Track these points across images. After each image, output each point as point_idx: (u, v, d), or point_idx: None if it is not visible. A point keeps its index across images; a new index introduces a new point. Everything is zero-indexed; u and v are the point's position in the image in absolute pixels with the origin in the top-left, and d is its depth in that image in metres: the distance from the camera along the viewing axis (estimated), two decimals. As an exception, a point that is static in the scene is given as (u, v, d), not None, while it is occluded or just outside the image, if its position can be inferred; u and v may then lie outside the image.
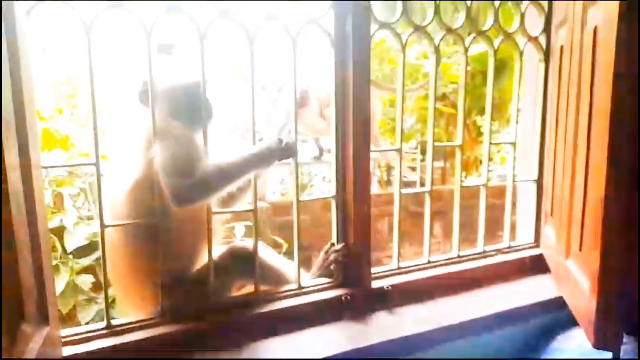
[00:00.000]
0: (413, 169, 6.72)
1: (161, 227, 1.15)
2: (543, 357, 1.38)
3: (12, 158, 0.81)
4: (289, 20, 1.33)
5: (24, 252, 0.84)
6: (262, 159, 1.19)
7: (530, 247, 1.72)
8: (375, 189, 5.05)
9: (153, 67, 1.12)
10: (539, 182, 1.71)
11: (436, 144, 1.56)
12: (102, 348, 1.09)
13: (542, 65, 1.67)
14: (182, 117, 1.17)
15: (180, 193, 1.10)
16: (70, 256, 2.16)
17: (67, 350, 1.06)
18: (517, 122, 1.70)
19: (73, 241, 2.17)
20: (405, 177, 6.07)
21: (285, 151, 1.22)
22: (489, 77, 1.63)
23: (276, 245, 2.28)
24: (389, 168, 6.18)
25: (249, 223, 2.47)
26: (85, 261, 2.25)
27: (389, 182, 5.83)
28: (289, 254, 1.53)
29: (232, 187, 1.18)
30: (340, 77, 1.35)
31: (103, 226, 1.12)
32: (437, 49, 1.50)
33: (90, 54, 1.07)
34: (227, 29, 1.26)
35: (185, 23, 1.17)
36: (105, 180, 1.17)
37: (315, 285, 1.38)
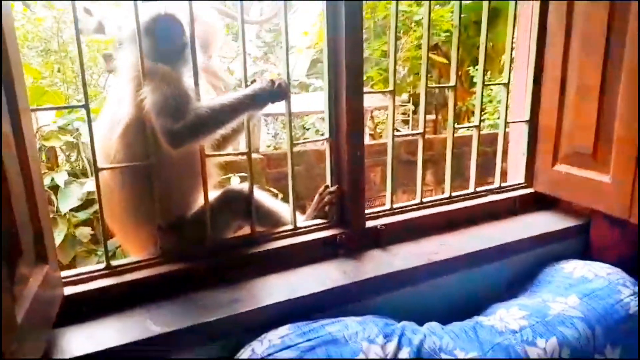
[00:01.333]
0: (405, 122, 6.72)
1: (156, 170, 1.15)
2: (533, 287, 1.44)
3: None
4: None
5: (17, 191, 0.84)
6: (255, 100, 1.18)
7: (521, 187, 1.75)
8: (367, 140, 5.05)
9: (138, 7, 1.09)
10: (532, 123, 1.72)
11: (429, 86, 1.56)
12: (103, 287, 1.12)
13: (537, 5, 1.64)
14: (166, 52, 1.15)
15: (174, 134, 1.09)
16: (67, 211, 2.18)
17: (68, 290, 1.09)
18: (511, 62, 1.68)
19: (67, 202, 2.18)
20: (397, 129, 6.07)
21: (277, 92, 1.21)
22: (483, 16, 1.60)
23: (272, 196, 2.31)
24: (379, 123, 6.16)
25: (244, 174, 2.49)
26: (83, 215, 2.28)
27: (381, 135, 5.83)
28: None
29: (225, 129, 1.17)
30: (331, 20, 1.32)
31: (97, 170, 1.12)
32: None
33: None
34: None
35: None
36: (97, 125, 1.16)
37: (311, 226, 1.41)
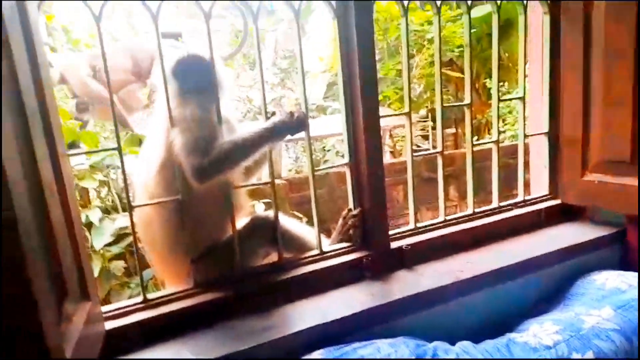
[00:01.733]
0: (425, 137, 6.70)
1: (186, 205, 1.20)
2: (565, 301, 1.42)
3: (39, 146, 0.86)
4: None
5: (60, 233, 0.90)
6: (275, 132, 1.24)
7: (545, 199, 1.74)
8: (387, 158, 5.06)
9: (162, 50, 1.16)
10: (551, 135, 1.71)
11: (445, 105, 1.58)
12: (141, 320, 1.16)
13: (547, 18, 1.66)
14: (191, 92, 1.22)
15: (200, 171, 1.16)
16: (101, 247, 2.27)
17: (109, 325, 1.14)
18: (525, 77, 1.70)
19: (101, 239, 2.27)
20: (418, 145, 6.06)
21: (296, 124, 1.26)
22: (493, 32, 1.63)
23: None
24: (400, 139, 6.17)
25: (268, 200, 2.54)
26: (116, 249, 2.36)
27: (401, 153, 5.83)
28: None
29: (248, 162, 1.23)
30: (344, 47, 1.37)
31: (131, 208, 1.18)
32: (439, 11, 1.50)
33: (102, 44, 1.11)
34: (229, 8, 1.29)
35: (190, 6, 1.20)
36: (135, 165, 1.23)
37: (336, 250, 1.43)
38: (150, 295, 1.19)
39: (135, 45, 3.08)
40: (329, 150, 5.73)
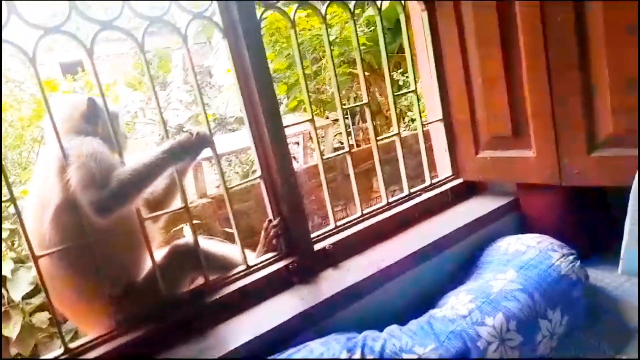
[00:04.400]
0: (348, 133, 6.89)
1: (94, 246, 1.17)
2: (476, 270, 1.55)
3: None
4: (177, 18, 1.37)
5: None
6: (175, 154, 1.23)
7: (450, 180, 1.89)
8: (309, 161, 5.16)
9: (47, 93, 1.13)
10: (447, 120, 1.86)
11: (345, 106, 1.67)
12: (67, 373, 1.12)
13: (425, 14, 1.80)
14: (86, 130, 1.21)
15: (100, 205, 1.12)
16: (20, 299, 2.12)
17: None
18: (413, 72, 1.83)
19: (18, 290, 2.12)
20: (341, 142, 6.22)
21: (196, 143, 1.27)
22: (379, 32, 1.73)
23: (228, 236, 2.34)
24: (321, 140, 6.30)
25: (196, 221, 2.51)
26: (37, 300, 2.21)
27: (323, 153, 5.96)
28: (242, 240, 1.58)
29: (148, 188, 1.21)
30: (239, 64, 1.40)
31: (35, 258, 1.13)
32: (324, 18, 1.58)
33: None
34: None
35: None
36: (26, 209, 1.18)
37: (262, 262, 1.46)
38: (72, 345, 1.15)
39: None
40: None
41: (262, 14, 1.44)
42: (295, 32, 1.52)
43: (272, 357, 1.16)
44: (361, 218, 1.66)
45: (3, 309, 2.16)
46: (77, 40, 1.17)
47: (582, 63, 1.41)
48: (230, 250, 1.47)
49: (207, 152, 1.38)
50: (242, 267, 1.43)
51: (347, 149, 1.67)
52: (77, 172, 1.11)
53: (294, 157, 5.53)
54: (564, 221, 1.73)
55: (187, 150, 1.25)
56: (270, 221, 1.50)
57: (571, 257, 1.46)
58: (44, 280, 1.13)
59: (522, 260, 1.46)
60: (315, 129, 1.60)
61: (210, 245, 1.43)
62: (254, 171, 5.50)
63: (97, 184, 1.11)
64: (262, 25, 1.46)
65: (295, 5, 1.55)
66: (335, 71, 1.65)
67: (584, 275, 1.45)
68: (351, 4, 1.65)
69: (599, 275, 1.55)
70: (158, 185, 1.22)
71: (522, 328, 1.28)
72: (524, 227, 1.73)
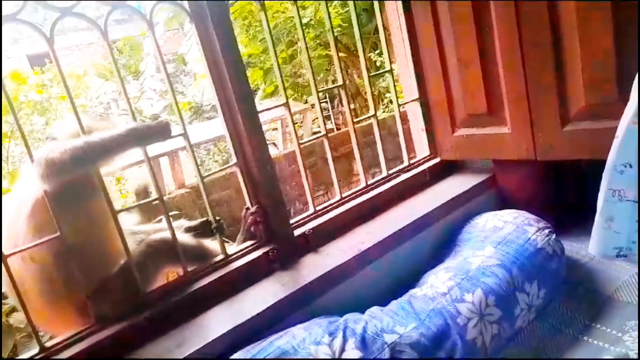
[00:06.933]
0: (327, 117, 6.87)
1: (66, 242, 1.13)
2: (455, 248, 1.57)
3: None
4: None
5: None
6: (136, 135, 1.21)
7: (428, 160, 1.89)
8: (289, 147, 5.13)
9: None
10: (423, 100, 1.85)
11: (322, 89, 1.65)
12: (44, 372, 1.09)
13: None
14: None
15: (51, 165, 1.08)
16: (-7, 299, 2.06)
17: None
18: (388, 52, 1.81)
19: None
20: (319, 127, 6.20)
21: (158, 129, 1.25)
22: (352, 15, 1.71)
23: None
24: (299, 125, 6.27)
25: (175, 212, 2.47)
26: (13, 300, 2.16)
27: (302, 137, 5.93)
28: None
29: (106, 162, 1.20)
30: (208, 49, 1.36)
31: (3, 257, 1.09)
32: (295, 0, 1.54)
33: None
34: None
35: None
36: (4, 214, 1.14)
37: (242, 250, 1.45)
38: (48, 344, 1.12)
39: None
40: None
41: (229, -3, 1.40)
42: (266, 15, 1.48)
43: (254, 344, 1.15)
44: (340, 201, 1.66)
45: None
46: (35, 27, 1.12)
47: (554, 40, 1.41)
48: (208, 241, 1.44)
49: (181, 142, 1.35)
50: (221, 256, 1.41)
51: (323, 132, 1.65)
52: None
53: (274, 143, 5.50)
54: (541, 196, 1.76)
55: (147, 134, 1.23)
56: (247, 209, 1.48)
57: (547, 231, 1.48)
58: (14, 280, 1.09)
59: (499, 236, 1.48)
60: (291, 113, 1.57)
61: (186, 236, 1.41)
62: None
63: (55, 149, 1.09)
64: (233, 9, 1.41)
65: (264, -13, 1.50)
66: (308, 54, 1.62)
67: (559, 248, 1.48)
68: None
69: (574, 248, 1.59)
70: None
71: (501, 303, 1.30)
72: (501, 203, 1.76)
